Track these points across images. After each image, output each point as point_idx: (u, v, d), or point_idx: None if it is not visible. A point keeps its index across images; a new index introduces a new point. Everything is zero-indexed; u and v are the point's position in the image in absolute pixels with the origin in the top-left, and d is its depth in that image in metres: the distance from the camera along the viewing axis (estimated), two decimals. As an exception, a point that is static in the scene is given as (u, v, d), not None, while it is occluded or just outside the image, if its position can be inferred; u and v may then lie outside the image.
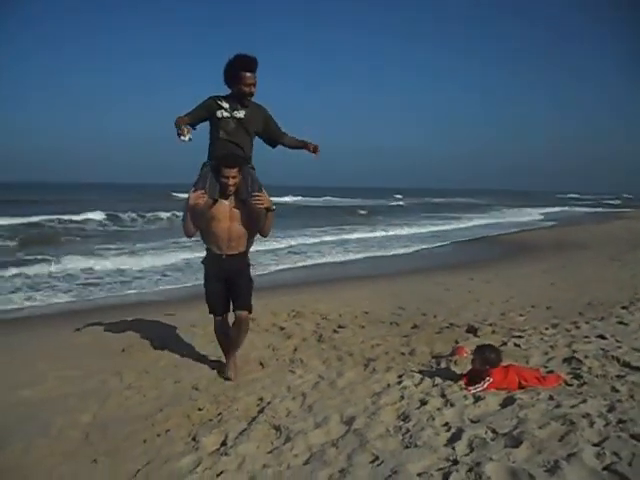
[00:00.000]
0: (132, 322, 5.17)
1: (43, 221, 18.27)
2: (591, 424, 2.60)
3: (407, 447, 2.53)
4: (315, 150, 3.87)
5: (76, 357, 4.20)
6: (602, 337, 4.53)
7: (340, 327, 5.13)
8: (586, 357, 3.89)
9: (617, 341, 4.40)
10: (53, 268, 9.36)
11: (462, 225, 23.01)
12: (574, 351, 4.08)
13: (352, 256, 12.47)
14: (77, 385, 3.65)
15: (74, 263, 9.80)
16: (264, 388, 3.51)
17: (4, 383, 3.69)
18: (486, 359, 3.29)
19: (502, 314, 5.78)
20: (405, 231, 19.27)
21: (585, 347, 4.19)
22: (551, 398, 3.00)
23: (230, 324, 3.87)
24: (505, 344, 4.39)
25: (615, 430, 2.52)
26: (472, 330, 4.96)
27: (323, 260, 11.70)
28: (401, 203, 47.63)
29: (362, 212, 32.08)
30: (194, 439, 2.81)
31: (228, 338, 3.87)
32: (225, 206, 3.55)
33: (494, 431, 2.60)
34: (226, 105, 3.61)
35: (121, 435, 2.91)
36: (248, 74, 3.52)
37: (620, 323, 5.09)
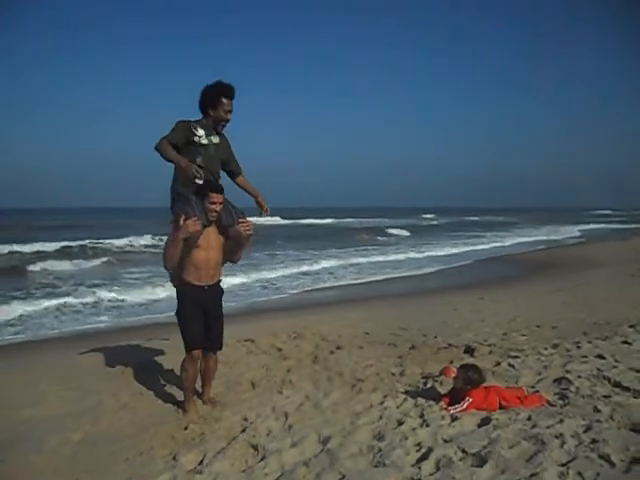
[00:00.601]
0: (135, 345, 5.32)
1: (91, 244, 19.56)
2: (562, 444, 2.61)
3: (375, 466, 2.58)
4: (265, 210, 3.92)
5: (77, 378, 4.34)
6: (601, 357, 4.47)
7: (338, 348, 5.17)
8: (578, 377, 3.85)
9: (616, 361, 4.32)
10: (87, 298, 9.62)
11: (498, 244, 22.84)
12: (567, 371, 4.04)
13: (367, 278, 12.51)
14: (75, 405, 3.78)
15: (105, 290, 10.13)
16: (250, 408, 3.58)
17: (9, 402, 3.85)
18: (468, 379, 3.31)
19: (504, 334, 5.73)
20: (438, 252, 19.19)
21: (580, 367, 4.14)
22: (529, 418, 3.00)
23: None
24: (499, 364, 4.37)
25: (585, 450, 2.53)
26: (469, 350, 4.95)
27: (337, 283, 11.77)
28: (435, 222, 47.53)
29: (404, 233, 31.85)
30: (174, 458, 2.90)
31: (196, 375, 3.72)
32: (207, 233, 3.47)
33: (463, 451, 2.63)
34: (201, 131, 3.55)
35: (106, 453, 3.03)
36: (227, 101, 3.56)
37: (624, 342, 4.99)
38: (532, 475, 2.30)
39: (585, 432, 2.74)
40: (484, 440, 2.71)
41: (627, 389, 3.53)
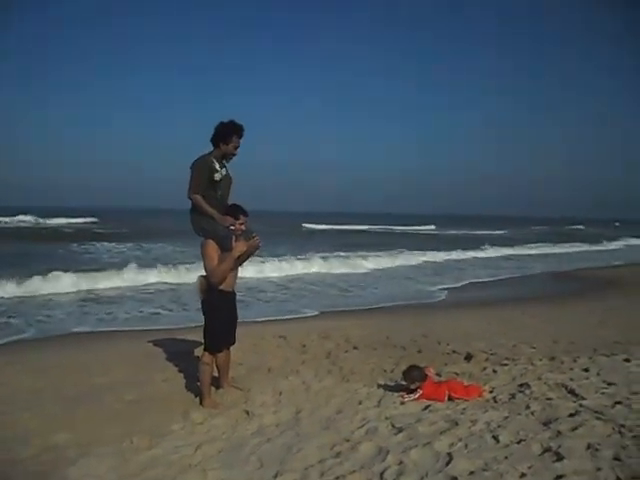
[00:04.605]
0: (186, 337, 6.47)
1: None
2: (471, 427, 3.27)
3: (324, 430, 3.42)
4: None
5: (139, 359, 5.58)
6: (585, 370, 4.82)
7: (354, 348, 5.98)
8: (544, 384, 4.33)
9: (597, 375, 4.65)
10: None
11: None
12: (539, 379, 4.52)
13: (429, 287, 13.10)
14: (131, 376, 4.97)
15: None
16: (257, 386, 4.54)
17: (84, 373, 5.13)
18: (413, 377, 3.99)
19: (514, 345, 6.20)
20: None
21: (553, 376, 4.57)
22: (464, 409, 3.66)
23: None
24: (485, 369, 4.96)
25: (485, 432, 3.18)
26: (468, 357, 5.57)
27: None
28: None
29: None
30: (187, 415, 3.94)
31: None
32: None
33: (393, 425, 3.39)
34: (218, 165, 4.13)
35: (145, 409, 4.13)
36: (238, 139, 4.15)
37: (625, 360, 5.20)
38: (427, 443, 3.01)
39: (500, 421, 3.36)
40: (413, 419, 3.44)
41: (575, 395, 4.00)
